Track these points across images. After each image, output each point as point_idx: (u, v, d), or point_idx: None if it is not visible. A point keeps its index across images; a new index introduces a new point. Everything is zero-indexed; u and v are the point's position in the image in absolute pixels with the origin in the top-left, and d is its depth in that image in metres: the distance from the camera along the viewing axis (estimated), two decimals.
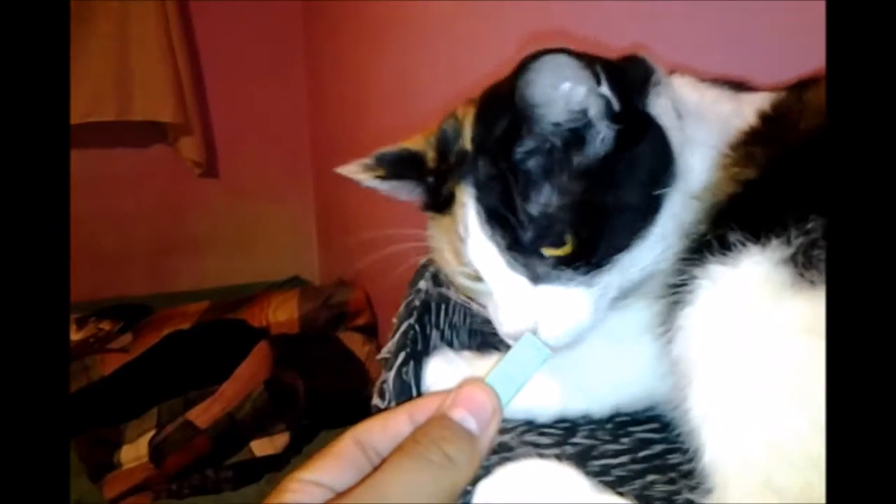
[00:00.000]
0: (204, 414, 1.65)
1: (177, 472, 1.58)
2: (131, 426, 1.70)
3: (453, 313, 0.68)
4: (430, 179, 0.57)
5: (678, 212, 0.50)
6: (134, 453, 1.63)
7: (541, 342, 0.45)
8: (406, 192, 0.59)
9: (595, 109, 0.49)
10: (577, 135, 0.49)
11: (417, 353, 0.60)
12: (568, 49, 0.46)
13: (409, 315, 0.62)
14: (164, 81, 2.09)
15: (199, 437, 1.61)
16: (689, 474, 0.45)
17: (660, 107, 0.52)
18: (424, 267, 0.67)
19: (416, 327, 0.61)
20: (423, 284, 0.65)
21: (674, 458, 0.52)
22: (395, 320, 0.63)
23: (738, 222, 0.45)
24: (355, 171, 0.58)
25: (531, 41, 0.58)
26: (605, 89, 0.49)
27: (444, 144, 0.56)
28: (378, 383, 0.57)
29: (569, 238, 0.49)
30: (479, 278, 0.54)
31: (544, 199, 0.49)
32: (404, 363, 0.58)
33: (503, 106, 0.51)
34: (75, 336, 2.00)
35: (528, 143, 0.49)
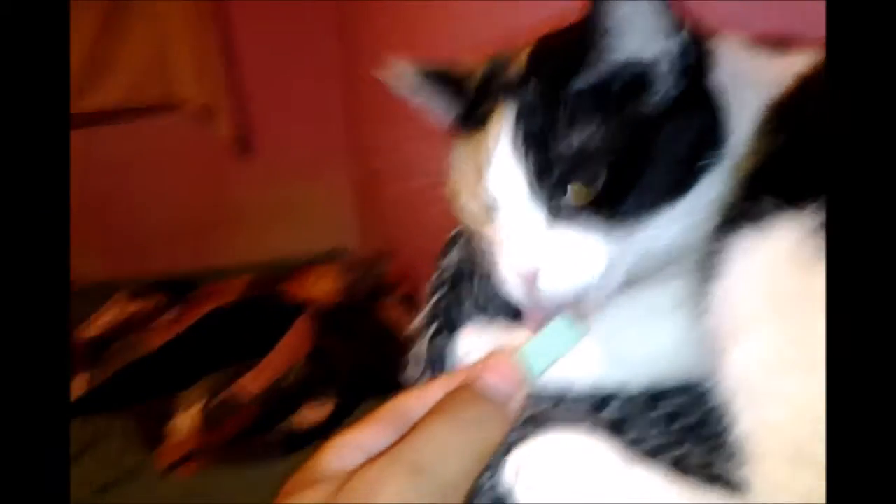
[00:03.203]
0: (251, 384, 1.70)
1: (227, 441, 1.63)
2: (182, 397, 1.75)
3: (486, 282, 0.68)
4: (469, 99, 0.55)
5: (715, 184, 0.49)
6: (185, 423, 1.68)
7: (578, 320, 0.45)
8: (439, 107, 0.57)
9: (666, 60, 0.48)
10: (639, 82, 0.48)
11: (449, 322, 0.60)
12: None
13: (441, 285, 0.62)
14: (198, 62, 2.12)
15: (248, 406, 1.66)
16: (723, 445, 0.45)
17: (718, 77, 0.50)
18: (456, 236, 0.67)
19: (448, 297, 0.61)
20: (454, 254, 0.65)
21: (709, 429, 0.51)
22: (427, 289, 0.63)
23: (770, 189, 0.44)
24: (394, 72, 0.57)
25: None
26: (677, 40, 0.48)
27: (491, 71, 0.55)
28: (411, 354, 0.58)
29: (601, 179, 0.47)
30: (492, 210, 0.52)
31: (589, 134, 0.47)
32: (436, 333, 0.58)
33: (571, 36, 0.50)
34: (125, 311, 2.06)
35: (591, 77, 0.48)
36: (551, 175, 0.48)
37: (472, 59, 0.57)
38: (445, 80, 0.56)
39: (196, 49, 2.16)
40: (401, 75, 0.56)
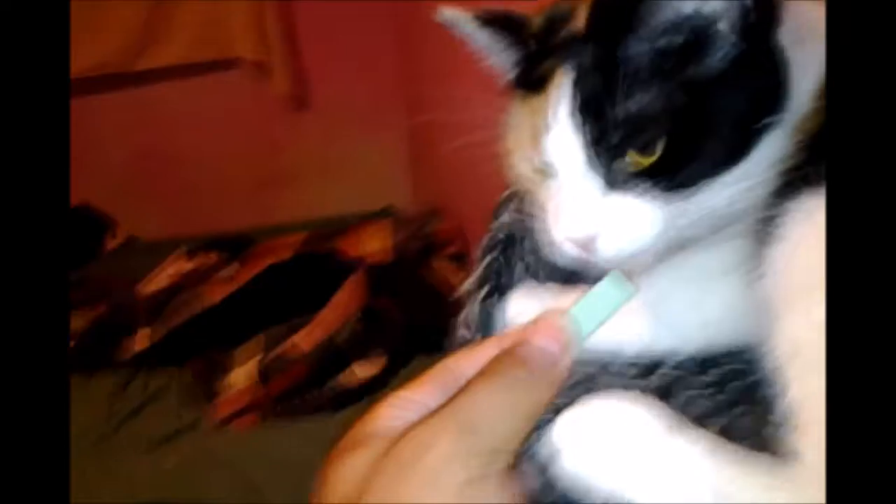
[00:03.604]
0: (305, 340, 1.74)
1: (282, 394, 1.68)
2: (240, 351, 1.81)
3: (539, 245, 0.67)
4: (531, 46, 0.53)
5: (774, 147, 0.47)
6: (241, 377, 1.74)
7: (626, 279, 0.45)
8: (500, 50, 0.55)
9: (728, 18, 0.46)
10: (698, 42, 0.46)
11: (501, 285, 0.60)
12: None
13: (493, 248, 0.62)
14: (253, 17, 2.13)
15: (301, 362, 1.70)
16: (774, 412, 0.44)
17: (784, 34, 0.48)
18: (509, 198, 0.67)
19: (500, 259, 0.61)
20: (506, 217, 0.65)
21: (759, 395, 0.51)
22: (479, 252, 0.63)
23: None
24: (453, 12, 0.55)
25: None
26: None
27: (553, 19, 0.53)
28: (462, 316, 0.58)
29: (659, 146, 0.46)
30: (546, 173, 0.51)
31: (647, 100, 0.45)
32: (487, 296, 0.58)
33: None
34: (184, 268, 2.12)
35: (647, 36, 0.46)
36: (609, 142, 0.46)
37: (532, 11, 0.56)
38: (503, 24, 0.55)
39: (251, 4, 2.17)
40: (457, 20, 0.56)
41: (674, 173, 0.46)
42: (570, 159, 0.49)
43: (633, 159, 0.47)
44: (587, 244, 0.49)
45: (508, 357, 0.41)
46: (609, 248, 0.48)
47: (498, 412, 0.38)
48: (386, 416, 0.40)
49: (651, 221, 0.48)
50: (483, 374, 0.40)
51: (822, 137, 0.46)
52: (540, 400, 0.40)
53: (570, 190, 0.49)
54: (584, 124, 0.47)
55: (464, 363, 0.44)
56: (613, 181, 0.48)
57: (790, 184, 0.45)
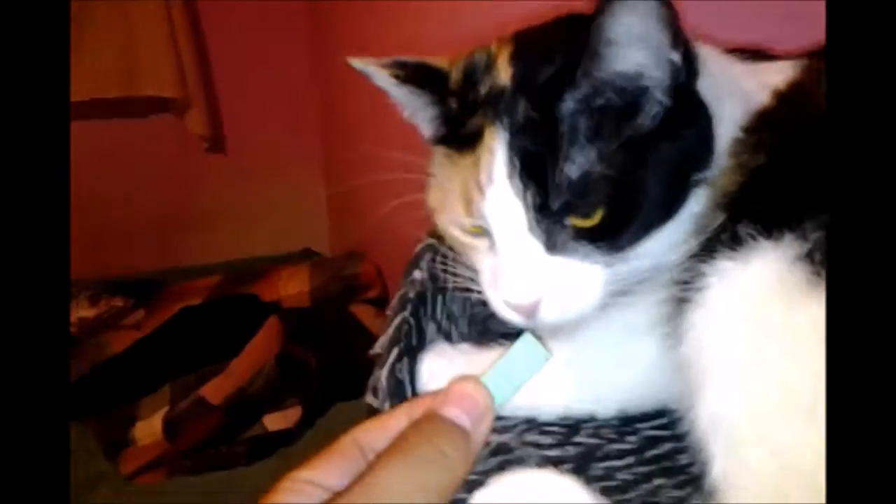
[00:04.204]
0: (216, 389, 1.65)
1: (190, 448, 1.59)
2: (145, 403, 1.70)
3: (451, 303, 0.65)
4: (452, 103, 0.51)
5: (696, 200, 0.47)
6: (148, 430, 1.63)
7: (541, 344, 0.43)
8: (419, 107, 0.53)
9: (657, 76, 0.45)
10: (632, 101, 0.45)
11: (412, 347, 0.57)
12: None
13: (403, 307, 0.59)
14: (166, 56, 2.08)
15: (212, 412, 1.61)
16: (698, 479, 0.42)
17: (705, 87, 0.48)
18: (419, 256, 0.64)
19: (411, 320, 0.58)
20: (417, 274, 0.62)
21: (682, 459, 0.49)
22: (388, 312, 0.60)
23: (748, 214, 0.41)
24: (370, 64, 0.53)
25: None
26: (676, 56, 0.45)
27: (473, 72, 0.51)
28: (371, 380, 0.55)
29: (600, 211, 0.45)
30: (479, 234, 0.50)
31: (588, 164, 0.44)
32: (398, 359, 0.55)
33: (554, 46, 0.47)
34: (88, 313, 1.99)
35: (582, 91, 0.45)
36: (551, 207, 0.45)
37: (444, 59, 0.54)
38: (419, 80, 0.52)
39: (169, 43, 2.11)
40: (369, 73, 0.53)
41: (615, 234, 0.45)
42: (509, 223, 0.47)
43: (576, 222, 0.45)
44: (529, 310, 0.47)
45: (421, 428, 0.38)
46: (552, 312, 0.47)
47: (410, 493, 0.35)
48: (288, 500, 0.37)
49: (593, 284, 0.47)
50: (392, 451, 0.37)
51: (734, 196, 0.45)
52: (456, 475, 0.37)
53: (510, 254, 0.47)
54: (525, 190, 0.45)
55: (371, 436, 0.40)
56: (555, 244, 0.46)
57: (705, 245, 0.44)
